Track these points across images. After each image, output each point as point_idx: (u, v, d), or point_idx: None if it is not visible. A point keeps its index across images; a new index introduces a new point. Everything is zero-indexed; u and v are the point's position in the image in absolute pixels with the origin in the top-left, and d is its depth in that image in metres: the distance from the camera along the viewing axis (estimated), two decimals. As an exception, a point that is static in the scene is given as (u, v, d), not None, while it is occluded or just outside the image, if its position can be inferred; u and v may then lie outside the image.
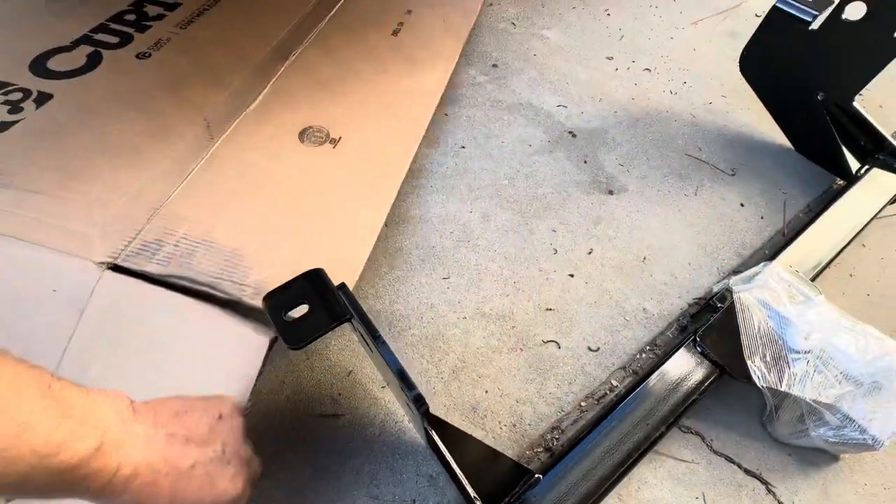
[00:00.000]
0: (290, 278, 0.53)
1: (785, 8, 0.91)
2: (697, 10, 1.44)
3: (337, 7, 1.02)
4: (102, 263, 0.54)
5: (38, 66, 0.75)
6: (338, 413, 0.67)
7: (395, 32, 1.01)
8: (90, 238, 0.56)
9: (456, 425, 0.54)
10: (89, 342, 0.50)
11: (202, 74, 0.81)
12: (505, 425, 0.68)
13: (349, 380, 0.70)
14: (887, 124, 1.03)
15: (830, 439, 0.63)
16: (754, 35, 0.98)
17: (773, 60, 1.00)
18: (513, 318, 0.79)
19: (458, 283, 0.82)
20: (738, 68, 1.03)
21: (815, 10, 0.89)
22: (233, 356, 0.53)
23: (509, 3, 1.39)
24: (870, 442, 0.61)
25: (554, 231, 0.91)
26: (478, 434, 0.66)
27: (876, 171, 1.01)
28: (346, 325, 0.52)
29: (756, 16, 1.41)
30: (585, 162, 1.04)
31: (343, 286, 0.54)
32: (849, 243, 0.91)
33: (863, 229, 0.93)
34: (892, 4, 0.82)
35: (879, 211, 0.96)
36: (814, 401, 0.63)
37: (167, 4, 0.92)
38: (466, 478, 0.47)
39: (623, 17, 1.39)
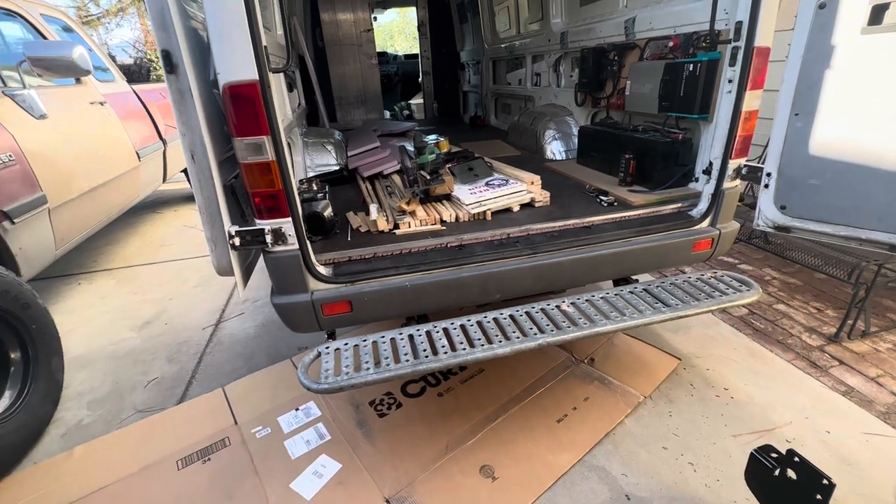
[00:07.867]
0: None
1: (758, 455, 1.58)
2: (739, 426, 2.10)
3: (535, 394, 2.04)
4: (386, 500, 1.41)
5: (402, 388, 1.90)
6: None
7: (559, 420, 1.96)
8: (386, 483, 1.46)
9: None
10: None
11: (459, 414, 1.82)
12: None
13: None
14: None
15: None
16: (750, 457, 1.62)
17: (766, 490, 1.59)
18: None
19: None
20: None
21: (777, 465, 1.54)
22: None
23: (603, 394, 2.28)
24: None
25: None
26: None
27: None
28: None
29: (787, 441, 1.99)
30: (632, 519, 1.64)
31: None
32: None
33: None
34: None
35: None
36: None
37: (461, 369, 2.12)
38: None
39: (681, 420, 2.13)
